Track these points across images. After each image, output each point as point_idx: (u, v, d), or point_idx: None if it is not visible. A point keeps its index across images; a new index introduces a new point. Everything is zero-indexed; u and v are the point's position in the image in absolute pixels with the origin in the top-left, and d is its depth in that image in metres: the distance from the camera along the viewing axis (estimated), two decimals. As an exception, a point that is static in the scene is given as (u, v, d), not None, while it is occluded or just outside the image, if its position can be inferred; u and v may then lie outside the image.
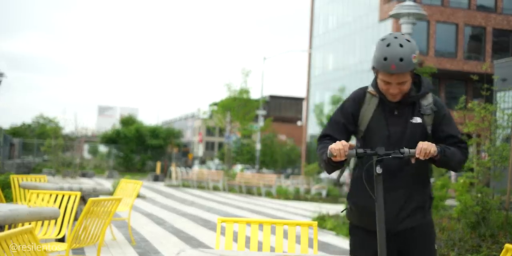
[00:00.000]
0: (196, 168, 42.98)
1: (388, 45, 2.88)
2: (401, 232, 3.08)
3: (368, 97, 3.15)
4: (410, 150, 2.93)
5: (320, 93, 47.86)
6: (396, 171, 3.07)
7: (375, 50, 2.95)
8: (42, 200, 5.59)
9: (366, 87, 3.19)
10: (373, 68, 3.02)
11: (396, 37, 2.92)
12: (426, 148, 2.91)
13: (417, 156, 2.91)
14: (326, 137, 3.20)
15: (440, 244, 7.79)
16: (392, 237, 3.05)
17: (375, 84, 3.11)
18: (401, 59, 2.86)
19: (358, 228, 3.18)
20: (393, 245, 3.06)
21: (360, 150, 2.95)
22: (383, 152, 2.92)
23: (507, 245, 2.51)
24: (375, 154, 2.94)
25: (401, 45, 2.87)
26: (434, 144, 2.96)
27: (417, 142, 2.99)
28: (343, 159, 2.96)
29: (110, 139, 48.17)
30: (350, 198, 3.20)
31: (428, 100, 3.11)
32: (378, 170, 2.92)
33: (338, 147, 2.93)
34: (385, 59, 2.88)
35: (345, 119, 3.17)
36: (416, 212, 3.10)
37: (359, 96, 3.17)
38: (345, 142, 2.96)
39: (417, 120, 3.07)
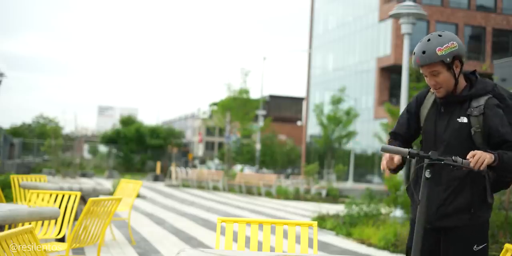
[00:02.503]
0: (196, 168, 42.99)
1: (421, 41, 3.14)
2: (437, 229, 3.14)
3: (429, 95, 3.32)
4: (464, 160, 2.88)
5: (320, 93, 47.87)
6: (440, 168, 3.09)
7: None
8: (42, 200, 5.59)
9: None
10: None
11: (432, 34, 3.15)
12: (480, 158, 2.90)
13: (471, 166, 2.90)
14: (392, 135, 3.40)
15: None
16: (430, 232, 3.13)
17: None
18: (423, 52, 3.07)
19: (412, 221, 3.26)
20: (430, 240, 3.13)
21: (414, 151, 2.93)
22: (436, 157, 2.89)
23: (507, 245, 2.51)
24: (428, 157, 2.90)
25: (429, 40, 3.10)
26: (488, 152, 2.95)
27: (459, 143, 3.09)
28: (394, 167, 3.14)
29: (110, 139, 48.18)
30: (407, 191, 3.34)
31: (479, 102, 3.13)
32: (427, 174, 2.89)
33: (382, 163, 3.16)
34: (414, 53, 3.14)
35: (409, 117, 3.35)
36: (458, 212, 3.10)
37: (422, 94, 3.36)
38: (389, 156, 3.11)
39: (463, 119, 3.13)
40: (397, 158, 3.08)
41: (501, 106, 3.13)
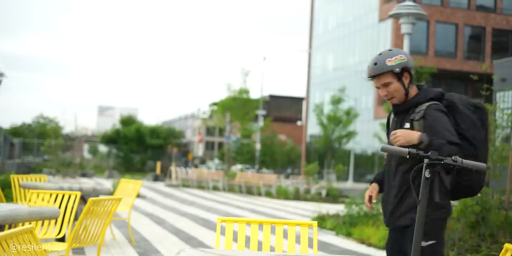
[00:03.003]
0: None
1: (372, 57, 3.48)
2: (397, 228, 3.39)
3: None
4: (464, 160, 2.90)
5: (320, 93, 47.86)
6: (393, 170, 3.42)
7: None
8: (42, 200, 5.59)
9: None
10: None
11: (383, 50, 3.49)
12: (398, 136, 3.25)
13: (391, 139, 3.28)
14: None
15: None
16: (392, 231, 3.44)
17: None
18: (375, 64, 3.41)
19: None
20: (394, 239, 3.42)
21: (413, 150, 2.95)
22: (436, 157, 2.91)
23: (506, 245, 2.51)
24: (427, 157, 2.93)
25: (380, 54, 3.46)
26: (416, 133, 3.24)
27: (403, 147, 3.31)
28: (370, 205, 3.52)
29: (110, 139, 48.17)
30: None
31: (421, 108, 3.37)
32: (427, 174, 2.91)
33: (366, 197, 3.55)
34: (368, 67, 3.47)
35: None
36: (409, 211, 3.32)
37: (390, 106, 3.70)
38: (368, 196, 3.54)
39: (407, 125, 3.38)
40: (374, 195, 3.51)
41: (444, 110, 3.32)
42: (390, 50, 3.45)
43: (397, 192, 3.37)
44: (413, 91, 3.46)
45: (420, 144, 3.20)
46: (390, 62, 3.39)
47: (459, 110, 3.34)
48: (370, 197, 3.49)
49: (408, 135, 3.23)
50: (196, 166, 44.14)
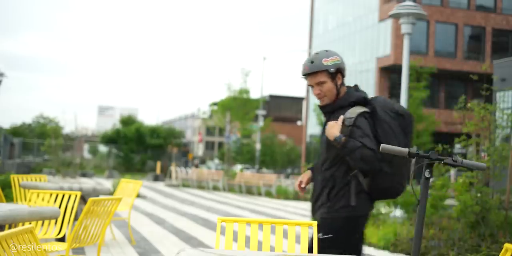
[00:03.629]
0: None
1: (309, 55, 3.46)
2: (318, 220, 3.59)
3: None
4: (464, 160, 2.91)
5: (320, 93, 47.86)
6: (320, 165, 3.68)
7: None
8: (42, 199, 5.59)
9: None
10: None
11: (320, 50, 3.59)
12: (330, 128, 3.48)
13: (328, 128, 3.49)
14: None
15: (440, 243, 7.80)
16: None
17: None
18: (311, 62, 3.53)
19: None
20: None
21: (413, 150, 2.95)
22: (436, 156, 2.90)
23: (506, 245, 2.51)
24: (427, 157, 2.92)
25: (317, 53, 3.57)
26: (339, 132, 3.43)
27: (327, 149, 3.56)
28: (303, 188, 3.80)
29: (110, 139, 48.16)
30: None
31: (352, 114, 3.52)
32: (427, 174, 2.91)
33: (296, 181, 3.86)
34: (303, 64, 3.57)
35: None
36: (320, 208, 3.63)
37: None
38: (299, 181, 3.80)
39: None
40: (304, 181, 3.73)
41: (366, 117, 3.50)
42: (326, 50, 3.58)
43: (318, 187, 3.64)
44: (343, 93, 3.62)
45: (335, 143, 3.42)
46: (327, 62, 3.52)
47: (378, 117, 3.49)
48: (300, 182, 3.75)
49: (331, 129, 3.46)
50: (196, 166, 44.07)
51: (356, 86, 3.69)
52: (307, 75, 3.58)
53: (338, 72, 3.56)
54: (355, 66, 43.20)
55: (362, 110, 3.52)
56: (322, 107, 3.65)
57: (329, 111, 3.63)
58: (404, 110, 3.59)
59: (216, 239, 3.42)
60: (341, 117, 3.49)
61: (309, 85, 3.63)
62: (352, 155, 3.40)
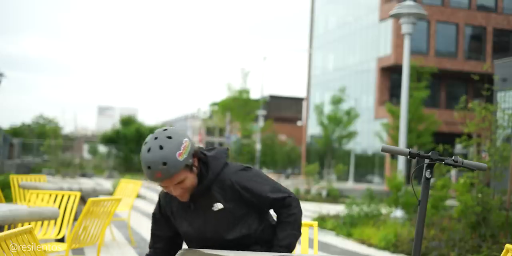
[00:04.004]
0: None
1: (148, 150, 2.57)
2: None
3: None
4: (464, 161, 2.87)
5: (320, 93, 47.86)
6: None
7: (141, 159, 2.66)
8: (42, 200, 5.57)
9: None
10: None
11: (156, 138, 2.60)
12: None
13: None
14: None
15: (441, 244, 7.78)
16: None
17: None
18: (164, 163, 2.53)
19: None
20: None
21: (414, 151, 2.93)
22: (436, 157, 2.88)
23: (507, 246, 2.50)
24: (428, 158, 2.90)
25: (161, 147, 2.55)
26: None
27: (230, 228, 2.78)
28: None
29: (110, 139, 48.15)
30: None
31: (224, 179, 2.78)
32: (428, 174, 2.89)
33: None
34: (149, 168, 2.56)
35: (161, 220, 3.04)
36: None
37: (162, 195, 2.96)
38: None
39: (218, 205, 2.77)
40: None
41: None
42: (168, 137, 2.58)
43: None
44: (198, 170, 2.75)
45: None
46: (181, 155, 2.57)
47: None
48: None
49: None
50: None
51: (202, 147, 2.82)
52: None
53: (194, 157, 2.68)
54: (355, 66, 43.20)
55: (227, 175, 2.80)
56: (193, 194, 2.74)
57: (199, 194, 2.77)
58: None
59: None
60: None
61: (162, 186, 2.69)
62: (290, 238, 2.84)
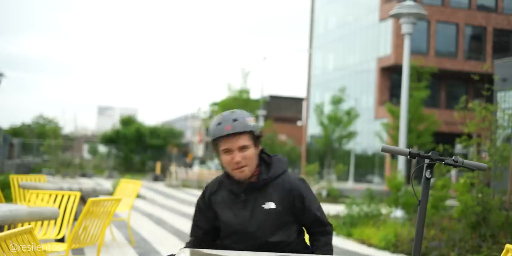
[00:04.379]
0: (196, 168, 42.96)
1: (220, 115, 2.82)
2: None
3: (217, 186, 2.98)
4: (464, 161, 2.86)
5: (320, 93, 47.85)
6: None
7: (210, 130, 2.82)
8: (42, 200, 5.57)
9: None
10: (213, 143, 2.83)
11: (225, 110, 2.90)
12: None
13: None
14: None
15: (441, 244, 7.77)
16: None
17: (224, 173, 2.95)
18: (234, 120, 2.75)
19: None
20: None
21: (414, 151, 2.93)
22: (437, 157, 2.88)
23: (507, 246, 2.50)
24: (428, 157, 2.89)
25: (232, 112, 2.82)
26: None
27: (273, 230, 2.81)
28: None
29: (110, 139, 48.14)
30: None
31: (283, 181, 2.86)
32: (428, 174, 2.89)
33: None
34: (219, 124, 2.77)
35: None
36: None
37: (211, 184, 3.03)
38: None
39: (271, 205, 2.82)
40: None
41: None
42: (240, 110, 2.86)
43: None
44: (264, 163, 2.89)
45: None
46: (250, 121, 2.79)
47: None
48: None
49: None
50: (190, 166, 43.67)
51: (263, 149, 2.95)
52: (226, 136, 2.74)
53: (259, 136, 2.83)
54: (355, 66, 43.19)
55: (288, 175, 2.91)
56: (240, 183, 2.83)
57: (259, 186, 2.83)
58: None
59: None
60: None
61: (224, 150, 2.78)
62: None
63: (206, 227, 2.97)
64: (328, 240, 2.92)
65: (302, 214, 2.87)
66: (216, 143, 2.80)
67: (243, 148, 2.76)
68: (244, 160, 2.77)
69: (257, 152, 2.83)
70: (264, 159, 2.90)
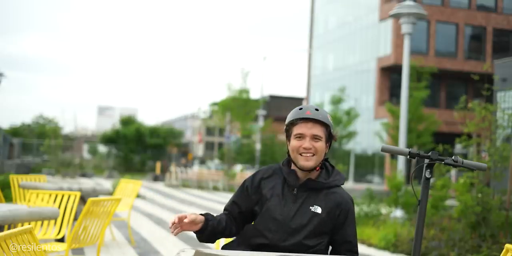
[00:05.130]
0: (195, 168, 42.96)
1: (303, 104, 2.89)
2: None
3: (274, 174, 2.97)
4: (464, 161, 2.86)
5: (320, 93, 47.86)
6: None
7: (289, 115, 2.86)
8: (42, 200, 5.57)
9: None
10: (287, 127, 2.85)
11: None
12: None
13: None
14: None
15: (441, 244, 7.78)
16: None
17: (285, 161, 2.96)
18: (316, 109, 2.80)
19: None
20: None
21: (414, 151, 2.93)
22: (436, 157, 2.88)
23: (507, 246, 2.50)
24: (428, 157, 2.88)
25: (316, 109, 2.83)
26: None
27: (310, 233, 2.79)
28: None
29: (110, 139, 48.14)
30: None
31: (336, 193, 2.87)
32: (428, 174, 2.89)
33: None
34: (301, 108, 2.82)
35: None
36: None
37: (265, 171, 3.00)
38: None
39: (317, 209, 2.82)
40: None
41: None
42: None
43: None
44: (329, 170, 2.94)
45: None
46: (330, 118, 2.85)
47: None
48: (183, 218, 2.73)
49: None
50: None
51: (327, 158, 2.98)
52: (303, 120, 2.78)
53: (332, 136, 2.87)
54: (355, 66, 43.19)
55: (343, 190, 2.94)
56: (296, 177, 2.84)
57: (318, 187, 2.85)
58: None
59: (217, 239, 3.39)
60: None
61: (296, 135, 2.79)
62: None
63: (244, 208, 2.92)
64: None
65: (337, 232, 2.85)
66: (291, 126, 2.82)
67: (315, 138, 2.78)
68: (314, 149, 2.78)
69: (326, 150, 2.84)
70: (327, 167, 2.93)
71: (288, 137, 2.87)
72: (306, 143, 2.78)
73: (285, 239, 2.79)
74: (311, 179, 2.84)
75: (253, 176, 2.96)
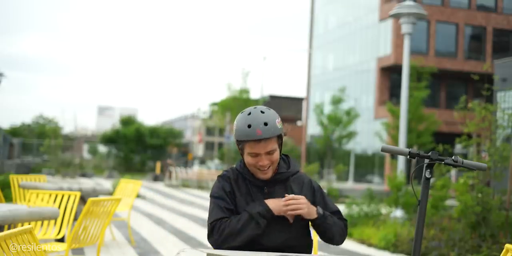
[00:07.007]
0: (195, 168, 42.96)
1: (249, 114, 2.74)
2: None
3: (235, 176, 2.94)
4: (464, 161, 2.86)
5: (320, 93, 47.86)
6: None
7: (236, 124, 2.77)
8: (42, 200, 5.57)
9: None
10: (238, 142, 2.79)
11: (255, 107, 2.81)
12: (302, 202, 2.76)
13: (284, 205, 2.77)
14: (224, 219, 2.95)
15: (441, 244, 7.78)
16: None
17: (242, 165, 2.90)
18: (265, 124, 2.71)
19: None
20: None
21: (414, 151, 2.93)
22: (436, 157, 2.89)
23: (507, 246, 2.50)
24: (428, 157, 2.89)
25: (262, 112, 2.75)
26: (311, 206, 2.82)
27: (296, 220, 2.83)
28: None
29: (110, 139, 48.13)
30: None
31: (300, 177, 2.95)
32: (428, 174, 2.89)
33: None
34: (249, 126, 2.70)
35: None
36: None
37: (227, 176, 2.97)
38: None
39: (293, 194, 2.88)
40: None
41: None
42: (268, 109, 2.82)
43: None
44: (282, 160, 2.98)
45: (314, 218, 2.84)
46: (279, 123, 2.78)
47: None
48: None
49: (311, 207, 2.82)
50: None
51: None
52: (257, 141, 2.71)
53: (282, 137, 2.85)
54: (355, 66, 43.19)
55: (304, 174, 3.01)
56: (274, 177, 2.87)
57: (285, 178, 2.89)
58: None
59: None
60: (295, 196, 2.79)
61: (251, 154, 2.75)
62: (336, 228, 2.91)
63: (234, 209, 2.91)
64: (342, 224, 2.95)
65: (323, 204, 2.95)
66: (242, 143, 2.77)
67: (270, 153, 2.76)
68: (270, 162, 2.78)
69: (279, 151, 2.85)
70: (282, 157, 2.96)
71: (241, 150, 2.81)
72: (263, 161, 2.75)
73: (275, 228, 2.82)
74: (276, 173, 2.88)
75: (227, 178, 2.92)
